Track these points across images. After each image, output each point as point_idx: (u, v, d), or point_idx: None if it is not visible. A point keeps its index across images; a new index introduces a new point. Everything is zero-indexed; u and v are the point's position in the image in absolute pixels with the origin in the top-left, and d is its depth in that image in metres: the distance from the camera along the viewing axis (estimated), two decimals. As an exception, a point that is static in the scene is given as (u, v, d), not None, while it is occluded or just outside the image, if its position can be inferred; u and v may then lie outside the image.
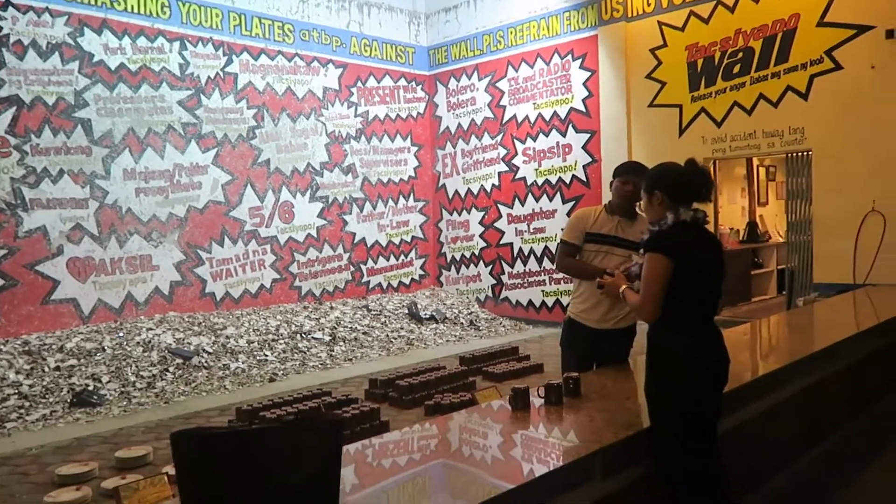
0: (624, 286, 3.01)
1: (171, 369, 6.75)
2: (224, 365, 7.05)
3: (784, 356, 4.11)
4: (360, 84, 10.17)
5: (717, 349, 2.68)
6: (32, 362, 6.41)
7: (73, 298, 7.38)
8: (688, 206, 2.66)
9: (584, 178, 9.17)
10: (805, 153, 7.52)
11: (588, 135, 9.10)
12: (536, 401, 2.99)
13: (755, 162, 10.81)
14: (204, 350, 7.21)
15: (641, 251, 2.72)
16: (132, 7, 7.92)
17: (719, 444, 2.68)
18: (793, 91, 7.40)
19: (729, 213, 10.30)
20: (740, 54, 7.74)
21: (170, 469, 3.93)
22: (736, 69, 7.78)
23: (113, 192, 7.72)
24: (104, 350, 6.81)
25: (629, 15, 8.63)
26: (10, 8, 7.05)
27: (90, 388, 6.14)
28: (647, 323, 2.71)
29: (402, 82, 10.73)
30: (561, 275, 9.46)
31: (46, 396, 5.95)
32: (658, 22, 8.37)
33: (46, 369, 6.33)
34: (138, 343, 7.05)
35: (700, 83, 8.06)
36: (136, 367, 6.66)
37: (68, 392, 6.05)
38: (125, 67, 7.85)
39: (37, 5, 7.22)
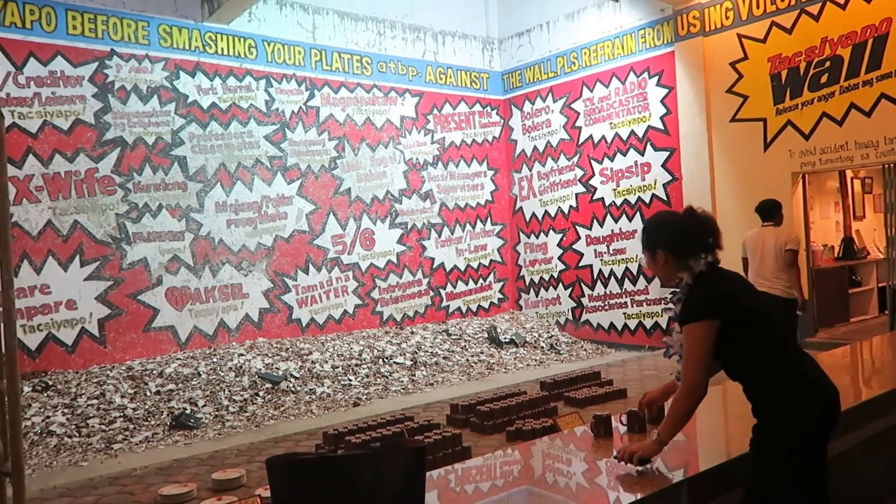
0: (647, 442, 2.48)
1: (261, 394, 7.03)
2: (310, 389, 7.27)
3: (888, 381, 3.88)
4: (436, 111, 10.38)
5: (820, 378, 2.42)
6: (136, 387, 6.82)
7: (171, 326, 7.82)
8: (696, 257, 2.46)
9: (665, 197, 8.98)
10: (904, 163, 7.12)
11: (667, 153, 8.93)
12: (620, 428, 2.95)
13: (849, 174, 10.27)
14: (291, 375, 7.47)
15: (675, 326, 2.50)
16: (222, 49, 8.42)
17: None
18: (887, 99, 7.04)
19: (822, 228, 9.80)
20: (827, 63, 7.44)
21: (262, 491, 4.08)
22: (823, 79, 7.47)
23: (206, 224, 8.17)
24: (200, 375, 7.17)
25: (707, 29, 8.45)
26: (115, 57, 7.64)
27: (188, 411, 6.47)
28: (699, 399, 2.37)
29: (478, 108, 10.87)
30: (643, 297, 9.26)
31: (148, 419, 6.31)
32: (738, 35, 8.16)
33: (148, 393, 6.72)
34: (230, 368, 7.38)
35: (785, 95, 7.78)
36: (229, 391, 6.97)
37: (168, 415, 6.39)
38: (216, 106, 8.33)
39: (138, 53, 7.80)
